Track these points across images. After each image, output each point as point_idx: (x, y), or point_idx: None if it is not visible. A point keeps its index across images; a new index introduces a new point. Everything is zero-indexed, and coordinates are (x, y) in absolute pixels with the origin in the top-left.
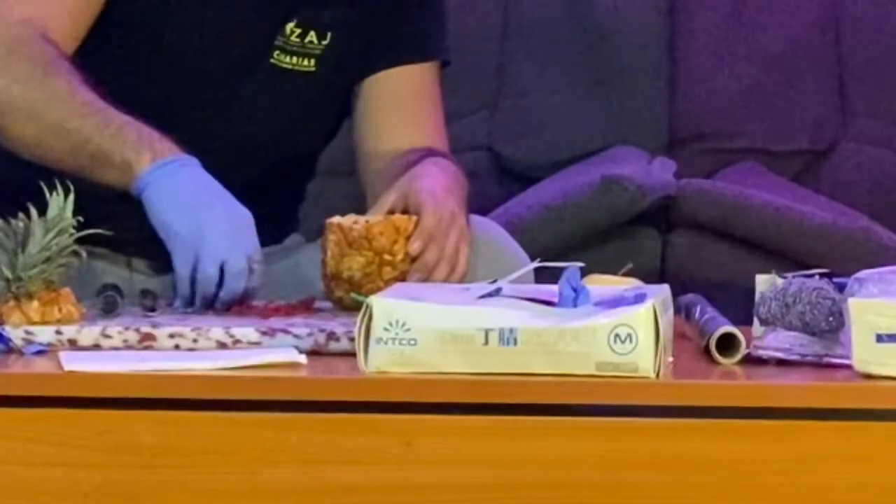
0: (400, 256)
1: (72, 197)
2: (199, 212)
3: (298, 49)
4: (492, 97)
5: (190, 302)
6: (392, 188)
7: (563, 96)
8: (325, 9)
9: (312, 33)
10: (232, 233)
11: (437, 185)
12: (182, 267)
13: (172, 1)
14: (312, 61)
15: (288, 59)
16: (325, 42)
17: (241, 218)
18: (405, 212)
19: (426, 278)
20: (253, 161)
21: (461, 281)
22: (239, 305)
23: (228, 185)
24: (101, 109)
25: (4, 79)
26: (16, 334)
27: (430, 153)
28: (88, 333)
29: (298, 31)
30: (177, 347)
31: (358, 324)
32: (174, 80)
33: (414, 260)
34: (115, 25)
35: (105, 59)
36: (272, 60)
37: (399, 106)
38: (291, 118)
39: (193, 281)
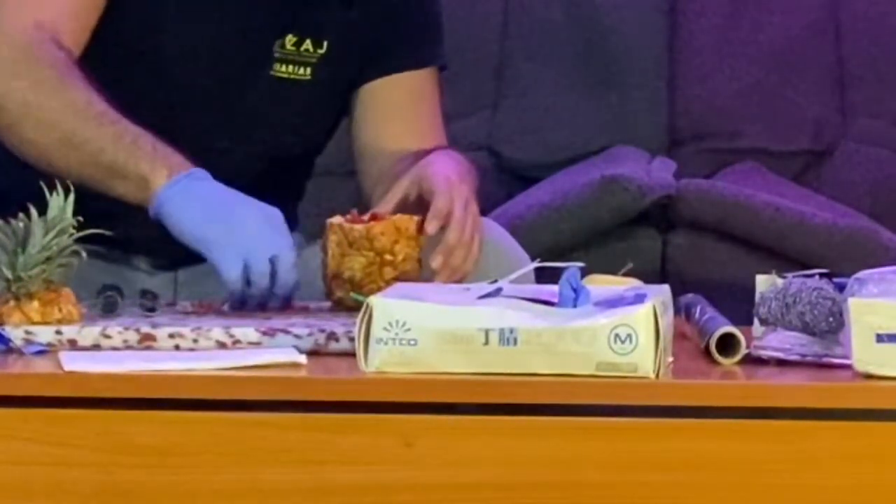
0: (401, 257)
1: (72, 197)
2: (233, 216)
3: (294, 57)
4: (492, 97)
5: (242, 303)
6: (405, 175)
7: (563, 96)
8: (321, 18)
9: (308, 42)
10: (273, 229)
11: (451, 171)
12: (231, 272)
13: (170, 14)
14: (308, 70)
15: (284, 67)
16: (321, 51)
17: (275, 215)
18: (419, 197)
19: (447, 261)
20: (250, 164)
21: (463, 279)
22: (287, 304)
23: (230, 186)
24: (115, 121)
25: (21, 83)
26: (16, 334)
27: (438, 148)
28: (88, 333)
29: (295, 39)
30: (177, 347)
31: (358, 324)
32: (171, 91)
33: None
34: (113, 38)
35: (103, 71)
36: (271, 73)
37: (399, 112)
38: (288, 125)
39: (247, 282)
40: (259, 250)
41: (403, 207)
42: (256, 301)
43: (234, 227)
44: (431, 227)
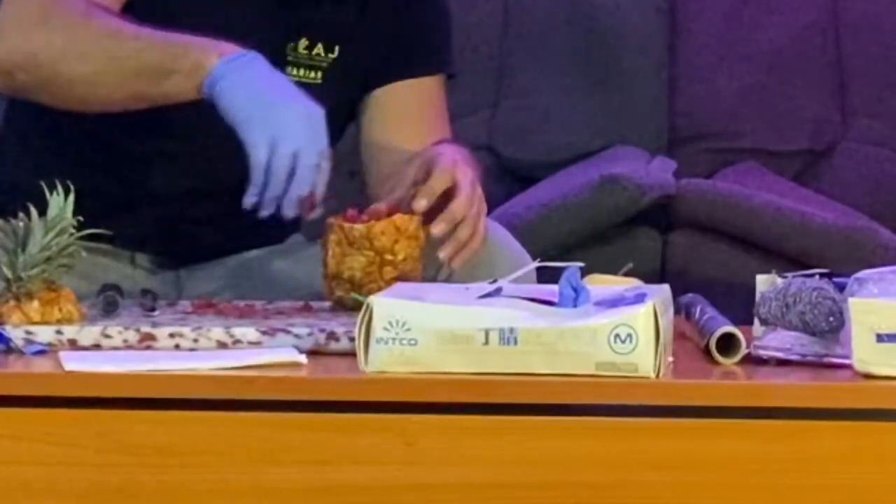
0: (401, 256)
1: (72, 197)
2: (275, 101)
3: (305, 61)
4: (492, 97)
5: (261, 193)
6: (411, 162)
7: (563, 96)
8: (334, 23)
9: (320, 46)
10: (308, 126)
11: (457, 157)
12: (258, 153)
13: (183, 18)
14: (319, 74)
15: (296, 71)
16: (332, 55)
17: (316, 113)
18: (427, 179)
19: (451, 230)
20: None
21: (469, 259)
22: (302, 210)
23: (231, 185)
24: (151, 32)
25: (44, 33)
26: (16, 334)
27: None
28: (88, 333)
29: (307, 43)
30: (177, 347)
31: (358, 324)
32: None
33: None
34: None
35: None
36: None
37: (407, 117)
38: None
39: (268, 171)
40: (286, 142)
41: (412, 192)
42: (272, 196)
43: (271, 112)
44: (421, 204)
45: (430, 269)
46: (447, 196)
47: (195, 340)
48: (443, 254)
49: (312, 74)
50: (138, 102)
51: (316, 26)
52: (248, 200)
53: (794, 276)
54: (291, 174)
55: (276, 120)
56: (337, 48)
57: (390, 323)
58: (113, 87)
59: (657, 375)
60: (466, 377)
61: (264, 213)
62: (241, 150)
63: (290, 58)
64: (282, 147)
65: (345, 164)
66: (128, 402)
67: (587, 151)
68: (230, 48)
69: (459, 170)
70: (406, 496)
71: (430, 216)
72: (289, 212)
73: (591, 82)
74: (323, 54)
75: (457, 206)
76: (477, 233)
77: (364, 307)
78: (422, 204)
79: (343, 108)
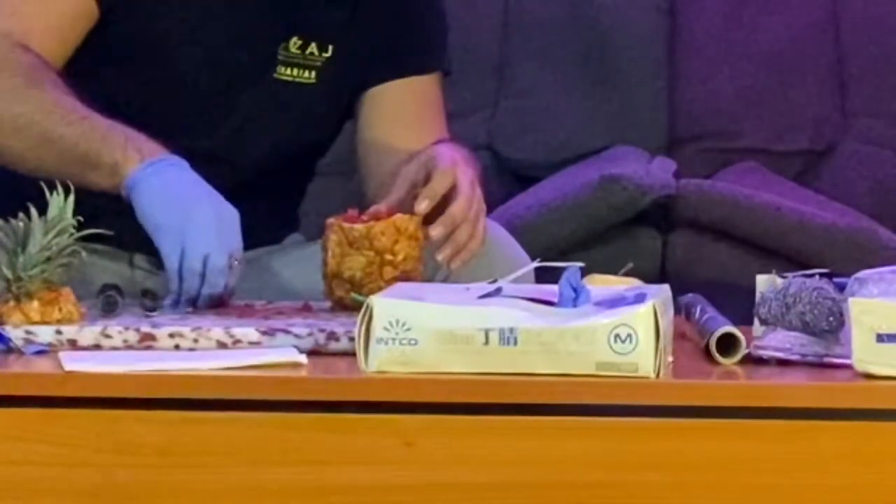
0: (401, 256)
1: (72, 197)
2: (187, 207)
3: (299, 61)
4: (492, 97)
5: (177, 296)
6: (411, 162)
7: (563, 96)
8: (327, 22)
9: (313, 45)
10: (217, 229)
11: (456, 157)
12: (170, 261)
13: (175, 17)
14: (313, 73)
15: (288, 71)
16: (326, 54)
17: (227, 215)
18: (427, 179)
19: (450, 231)
20: (252, 166)
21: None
22: (218, 305)
23: (228, 186)
24: (85, 116)
25: None
26: (16, 334)
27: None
28: (88, 333)
29: (299, 42)
30: (177, 347)
31: (358, 324)
32: (173, 93)
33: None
34: (116, 41)
35: (106, 74)
36: (275, 75)
37: (404, 116)
38: (292, 128)
39: (180, 276)
40: (195, 248)
41: (414, 194)
42: (187, 297)
43: (184, 217)
44: (423, 206)
45: (429, 269)
46: (446, 198)
47: (195, 340)
48: (441, 256)
49: (306, 74)
50: (70, 181)
51: (309, 25)
52: (166, 302)
53: (794, 276)
54: (203, 276)
55: (186, 227)
56: (331, 47)
57: (390, 323)
58: (41, 165)
59: (657, 375)
60: (466, 377)
61: (182, 310)
62: (242, 153)
63: (281, 57)
64: (191, 253)
65: (344, 164)
66: (128, 402)
67: (587, 151)
68: (152, 150)
69: (459, 171)
70: (405, 496)
71: (429, 217)
72: (203, 307)
73: (591, 82)
74: (317, 53)
75: (456, 209)
76: (476, 235)
77: (364, 307)
78: (423, 206)
79: (338, 107)
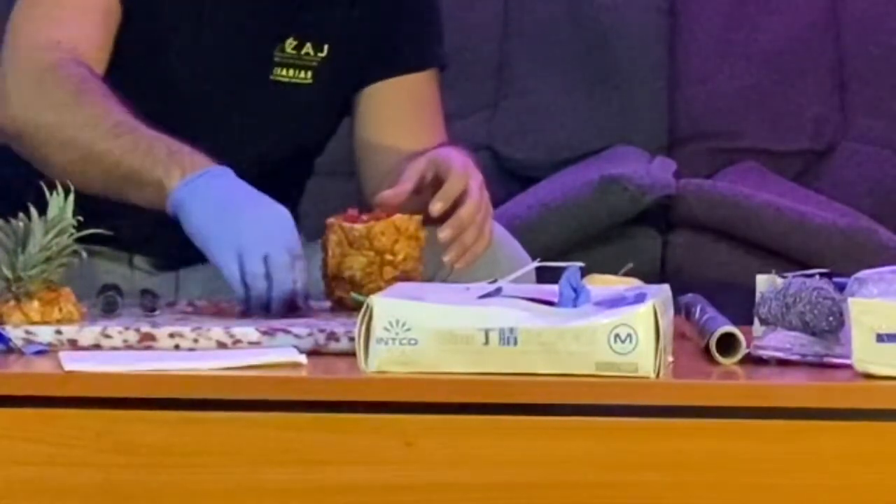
0: (401, 256)
1: (72, 197)
2: (236, 214)
3: (295, 61)
4: (492, 97)
5: (247, 305)
6: (418, 159)
7: (563, 96)
8: (322, 21)
9: (309, 45)
10: (272, 228)
11: (468, 162)
12: (230, 270)
13: (170, 20)
14: (309, 73)
15: (285, 72)
16: (321, 54)
17: (279, 214)
18: (436, 178)
19: (457, 235)
20: (250, 167)
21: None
22: (294, 309)
23: None
24: (131, 129)
25: (38, 106)
26: (16, 334)
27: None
28: (88, 333)
29: (295, 43)
30: (177, 347)
31: (358, 324)
32: (172, 96)
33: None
34: (116, 45)
35: (108, 78)
36: (271, 77)
37: (401, 115)
38: (289, 128)
39: (244, 283)
40: (252, 251)
41: (420, 188)
42: (258, 303)
43: (231, 226)
44: (437, 207)
45: (429, 269)
46: (455, 201)
47: (195, 340)
48: (447, 257)
49: (302, 74)
50: (118, 198)
51: (304, 26)
52: (237, 310)
53: (794, 276)
54: (269, 278)
55: (238, 232)
56: (326, 47)
57: (390, 323)
58: (89, 181)
59: (657, 375)
60: (466, 377)
61: (257, 316)
62: (240, 154)
63: (277, 58)
64: (249, 257)
65: (344, 164)
66: (128, 402)
67: (587, 151)
68: (196, 163)
69: (471, 175)
70: (405, 496)
71: (436, 218)
72: (278, 313)
73: (591, 82)
74: (312, 53)
75: (465, 212)
76: (482, 237)
77: (364, 307)
78: (437, 207)
79: (335, 106)
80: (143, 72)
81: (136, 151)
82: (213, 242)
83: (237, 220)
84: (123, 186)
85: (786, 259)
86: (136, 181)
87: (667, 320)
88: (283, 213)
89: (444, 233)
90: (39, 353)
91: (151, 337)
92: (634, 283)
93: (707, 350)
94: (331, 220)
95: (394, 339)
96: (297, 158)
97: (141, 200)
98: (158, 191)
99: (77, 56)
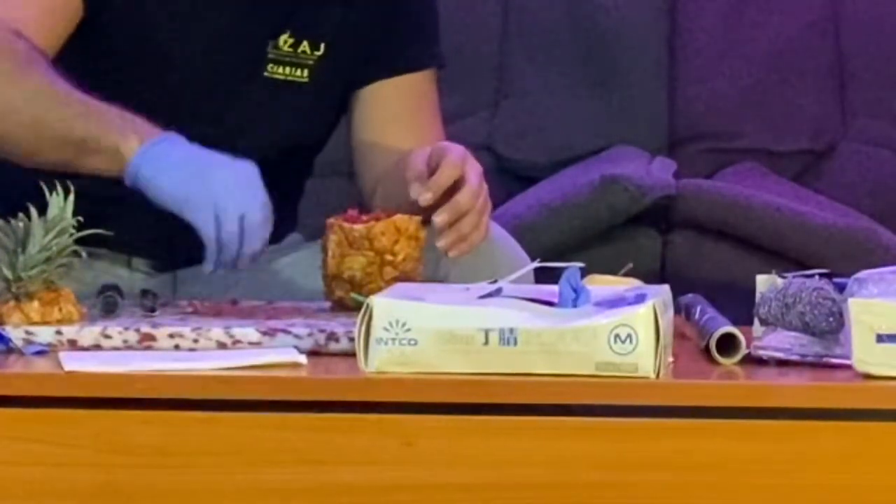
0: (401, 256)
1: (72, 197)
2: (205, 175)
3: (291, 59)
4: (492, 97)
5: (217, 260)
6: (418, 151)
7: (563, 96)
8: (318, 19)
9: (305, 43)
10: (245, 186)
11: (467, 152)
12: (207, 229)
13: (162, 15)
14: (305, 72)
15: (281, 69)
16: (318, 53)
17: (247, 171)
18: (437, 168)
19: (454, 220)
20: None
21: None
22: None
23: None
24: (81, 99)
25: None
26: (16, 334)
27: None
28: (88, 333)
29: (291, 40)
30: (177, 347)
31: (358, 324)
32: (166, 92)
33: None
34: (106, 40)
35: (96, 74)
36: (265, 73)
37: (398, 114)
38: (285, 126)
39: (219, 241)
40: (228, 209)
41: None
42: (228, 259)
43: (204, 186)
44: (426, 197)
45: (429, 269)
46: (452, 190)
47: (195, 340)
48: (441, 243)
49: (298, 72)
50: (66, 169)
51: (300, 23)
52: (206, 269)
53: (794, 277)
54: (241, 236)
55: (212, 191)
56: (323, 45)
57: (390, 323)
58: (37, 150)
59: (657, 375)
60: (466, 377)
61: (219, 272)
62: (236, 152)
63: (271, 55)
64: (226, 217)
65: (344, 164)
66: (128, 402)
67: (587, 151)
68: (151, 130)
69: (468, 163)
70: (405, 496)
71: (433, 209)
72: (245, 266)
73: (591, 82)
74: (309, 51)
75: (462, 198)
76: (479, 227)
77: (364, 307)
78: (426, 197)
79: (332, 105)
80: (136, 68)
81: (88, 119)
82: (188, 205)
83: (207, 181)
84: (77, 155)
85: (786, 259)
86: (91, 149)
87: (667, 320)
88: (250, 168)
89: (440, 217)
90: (39, 353)
91: (151, 337)
92: (634, 283)
93: (707, 350)
94: (331, 220)
95: (394, 340)
96: (294, 157)
97: (93, 169)
98: (113, 158)
99: (19, 31)
